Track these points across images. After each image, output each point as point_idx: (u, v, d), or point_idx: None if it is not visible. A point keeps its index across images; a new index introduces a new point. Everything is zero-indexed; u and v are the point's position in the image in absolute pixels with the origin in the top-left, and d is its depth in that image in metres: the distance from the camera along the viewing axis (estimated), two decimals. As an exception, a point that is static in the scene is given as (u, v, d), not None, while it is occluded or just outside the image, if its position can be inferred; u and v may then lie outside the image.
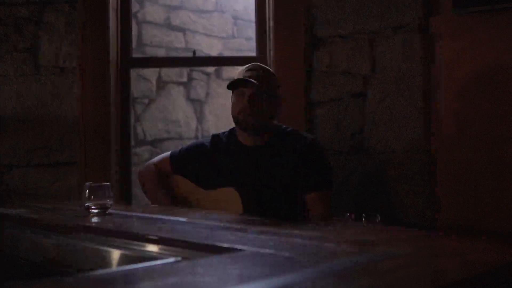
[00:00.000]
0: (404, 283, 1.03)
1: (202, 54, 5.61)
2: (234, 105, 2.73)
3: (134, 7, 3.88)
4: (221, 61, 5.31)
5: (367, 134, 3.36)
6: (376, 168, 3.34)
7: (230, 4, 6.07)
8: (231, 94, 2.80)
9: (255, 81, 2.65)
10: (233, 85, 2.70)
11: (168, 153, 3.00)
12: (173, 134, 5.66)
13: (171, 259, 1.31)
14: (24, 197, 3.54)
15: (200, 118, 5.86)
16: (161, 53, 5.60)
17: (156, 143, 5.55)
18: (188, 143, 3.13)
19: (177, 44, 5.72)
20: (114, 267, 1.52)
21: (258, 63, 2.79)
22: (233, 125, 2.85)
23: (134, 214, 2.28)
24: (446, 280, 1.06)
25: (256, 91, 2.66)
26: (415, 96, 3.24)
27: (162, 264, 1.23)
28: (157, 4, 5.64)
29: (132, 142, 4.27)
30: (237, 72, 2.80)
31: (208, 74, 5.91)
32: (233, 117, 2.75)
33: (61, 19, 3.62)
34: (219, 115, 5.90)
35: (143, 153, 5.40)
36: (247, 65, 2.77)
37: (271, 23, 3.63)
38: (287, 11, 3.56)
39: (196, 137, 5.73)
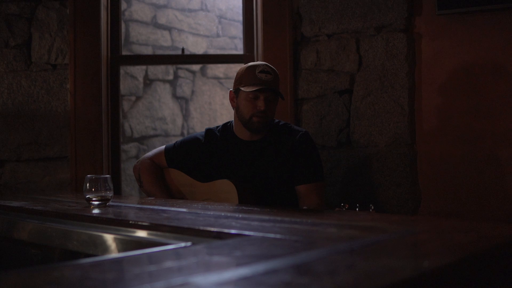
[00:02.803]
0: (434, 254, 1.13)
1: (187, 52, 5.66)
2: (245, 108, 2.74)
3: (122, 5, 3.93)
4: (209, 59, 5.36)
5: (351, 129, 3.48)
6: (360, 161, 3.44)
7: (215, 3, 6.13)
8: (232, 95, 2.83)
9: (274, 88, 2.72)
10: (261, 90, 2.70)
11: (162, 147, 3.05)
12: (160, 131, 5.71)
13: (183, 244, 1.37)
14: (15, 191, 3.58)
15: (185, 116, 5.91)
16: (147, 51, 5.64)
17: (143, 140, 5.59)
18: (174, 139, 3.17)
19: (163, 42, 5.76)
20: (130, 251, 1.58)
21: (268, 64, 2.79)
22: (221, 120, 2.89)
23: (135, 205, 2.34)
24: (471, 250, 1.16)
25: (271, 96, 2.72)
26: (398, 92, 3.35)
27: (176, 248, 1.29)
28: (143, 2, 5.68)
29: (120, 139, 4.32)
30: (244, 69, 2.79)
31: (193, 72, 5.97)
32: (244, 119, 2.77)
33: (52, 16, 3.66)
34: (204, 112, 5.96)
35: (130, 150, 5.44)
36: (255, 64, 2.78)
37: (259, 22, 3.70)
38: (274, 10, 3.63)
39: (182, 134, 5.78)
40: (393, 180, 3.36)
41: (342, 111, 3.50)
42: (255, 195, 2.72)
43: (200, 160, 2.90)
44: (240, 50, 5.80)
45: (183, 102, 5.93)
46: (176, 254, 1.19)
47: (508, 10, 3.13)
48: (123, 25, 5.28)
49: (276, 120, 2.90)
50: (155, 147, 3.27)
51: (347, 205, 2.08)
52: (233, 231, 1.43)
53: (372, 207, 2.04)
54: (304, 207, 2.66)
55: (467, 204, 3.22)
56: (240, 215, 1.82)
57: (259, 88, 2.68)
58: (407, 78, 3.35)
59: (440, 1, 3.23)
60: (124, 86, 5.34)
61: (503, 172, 3.15)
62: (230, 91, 2.87)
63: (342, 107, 3.50)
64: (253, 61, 3.66)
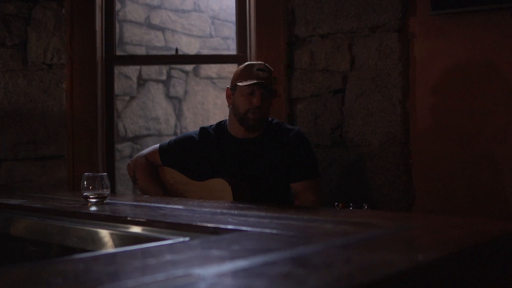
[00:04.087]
0: (429, 248, 1.16)
1: (181, 53, 5.68)
2: (241, 103, 2.78)
3: (116, 6, 3.96)
4: (203, 59, 5.38)
5: (346, 128, 3.51)
6: (354, 160, 3.48)
7: (208, 4, 6.16)
8: (229, 91, 2.87)
9: (266, 84, 2.75)
10: (256, 85, 2.74)
11: (157, 145, 3.07)
12: (153, 131, 5.73)
13: (181, 239, 1.39)
14: (12, 190, 3.59)
15: (179, 115, 5.93)
16: (141, 51, 5.66)
17: (136, 140, 5.61)
18: (168, 139, 3.19)
19: (157, 42, 5.78)
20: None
21: (265, 63, 2.84)
22: (214, 120, 2.91)
23: (131, 203, 2.36)
24: (465, 244, 1.20)
25: (266, 93, 2.75)
26: (392, 92, 3.38)
27: (175, 243, 1.31)
28: (137, 3, 5.70)
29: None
30: (242, 67, 2.84)
31: (186, 72, 5.99)
32: (239, 114, 2.80)
33: (49, 16, 3.68)
34: (197, 112, 5.98)
35: (124, 149, 5.46)
36: (253, 63, 2.83)
37: (252, 23, 3.73)
38: (268, 11, 3.65)
39: (175, 133, 5.79)
40: (387, 178, 3.39)
41: (337, 110, 3.53)
42: (249, 193, 2.75)
43: (194, 158, 2.92)
44: (232, 51, 5.82)
45: (176, 102, 5.94)
46: (175, 248, 1.21)
47: (500, 10, 3.16)
48: (117, 26, 5.30)
49: (270, 119, 2.93)
50: (148, 147, 3.29)
51: (341, 204, 2.10)
52: (230, 227, 1.45)
53: (366, 206, 2.06)
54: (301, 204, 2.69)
55: (461, 202, 3.25)
56: (236, 212, 1.84)
57: (255, 82, 2.72)
58: (400, 77, 3.38)
59: (434, 2, 3.26)
60: (118, 86, 5.36)
61: (496, 171, 3.19)
62: (227, 88, 2.90)
63: (336, 107, 3.53)
64: (246, 61, 3.68)
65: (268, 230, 1.39)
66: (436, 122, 3.33)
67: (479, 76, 3.25)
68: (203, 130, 2.98)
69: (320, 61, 3.57)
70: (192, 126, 5.85)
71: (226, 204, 2.24)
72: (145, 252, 1.15)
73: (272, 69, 2.87)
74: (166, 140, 3.15)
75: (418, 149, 3.37)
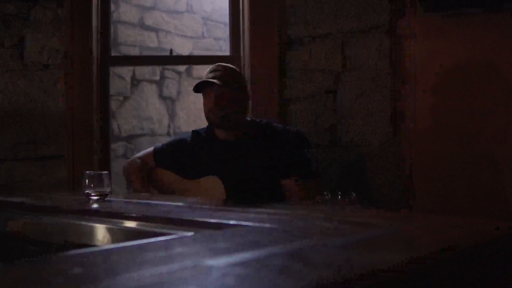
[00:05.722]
0: (429, 248, 1.17)
1: (175, 54, 5.71)
2: (204, 106, 2.85)
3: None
4: (198, 60, 5.40)
5: (345, 128, 3.54)
6: (353, 160, 3.51)
7: (200, 5, 6.20)
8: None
9: (216, 81, 2.75)
10: (197, 87, 2.81)
11: (151, 148, 3.12)
12: (147, 131, 5.76)
13: (186, 233, 1.43)
14: (11, 190, 3.62)
15: (172, 116, 5.97)
16: (134, 52, 5.68)
17: (130, 139, 5.64)
18: (161, 139, 3.24)
19: (150, 43, 5.82)
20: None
21: (221, 64, 2.88)
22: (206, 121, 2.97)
23: (132, 200, 2.40)
24: (469, 243, 1.21)
25: (219, 90, 2.77)
26: (391, 92, 3.42)
27: (181, 237, 1.36)
28: (131, 4, 5.73)
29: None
30: (203, 75, 2.91)
31: (179, 73, 6.03)
32: (205, 117, 2.88)
33: (49, 16, 3.71)
34: (190, 112, 6.02)
35: (118, 149, 5.48)
36: (210, 68, 2.89)
37: (246, 23, 3.74)
38: (262, 11, 3.68)
39: (168, 133, 5.83)
40: (386, 179, 3.41)
41: (336, 110, 3.56)
42: (242, 192, 2.80)
43: (187, 159, 2.98)
44: (224, 52, 5.86)
45: (170, 102, 5.98)
46: (182, 241, 1.24)
47: (500, 11, 3.17)
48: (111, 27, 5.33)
49: (257, 120, 2.98)
50: (142, 146, 3.34)
51: (328, 194, 2.11)
52: (231, 222, 1.49)
53: (354, 194, 2.07)
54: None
55: (461, 202, 3.25)
56: (236, 208, 1.89)
57: (201, 81, 2.78)
58: (400, 77, 3.40)
59: (433, 2, 3.27)
60: (112, 86, 5.37)
61: (496, 171, 3.20)
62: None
63: (336, 107, 3.55)
64: (240, 61, 3.72)
65: (268, 225, 1.43)
66: (436, 122, 3.34)
67: (479, 76, 3.25)
68: (194, 132, 3.05)
69: (320, 61, 3.59)
70: (185, 126, 5.88)
71: (225, 201, 2.28)
72: (154, 246, 1.18)
73: (233, 66, 2.91)
74: (159, 140, 3.20)
75: (418, 149, 3.37)
